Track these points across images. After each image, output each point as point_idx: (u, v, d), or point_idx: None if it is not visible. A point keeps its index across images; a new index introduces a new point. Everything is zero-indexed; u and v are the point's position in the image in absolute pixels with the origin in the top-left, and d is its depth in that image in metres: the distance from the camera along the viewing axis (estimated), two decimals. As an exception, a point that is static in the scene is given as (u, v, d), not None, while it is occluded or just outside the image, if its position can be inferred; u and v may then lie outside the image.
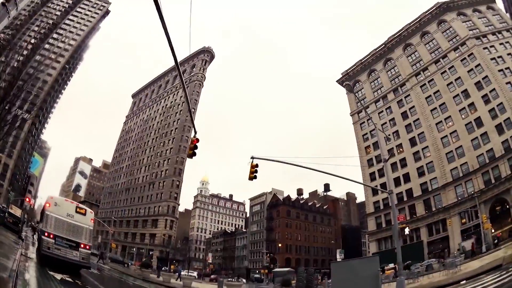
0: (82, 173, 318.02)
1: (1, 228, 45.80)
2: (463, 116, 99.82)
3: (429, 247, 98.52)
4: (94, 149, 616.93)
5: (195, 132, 30.49)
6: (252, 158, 33.40)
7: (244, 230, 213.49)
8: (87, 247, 31.69)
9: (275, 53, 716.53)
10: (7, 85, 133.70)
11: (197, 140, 29.38)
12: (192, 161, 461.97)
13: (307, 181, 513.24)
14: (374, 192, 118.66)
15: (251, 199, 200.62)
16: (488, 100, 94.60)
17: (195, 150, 29.50)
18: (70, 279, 25.67)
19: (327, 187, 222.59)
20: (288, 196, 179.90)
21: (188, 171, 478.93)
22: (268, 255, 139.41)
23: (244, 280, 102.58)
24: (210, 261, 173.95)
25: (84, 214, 32.62)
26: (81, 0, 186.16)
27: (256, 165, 33.33)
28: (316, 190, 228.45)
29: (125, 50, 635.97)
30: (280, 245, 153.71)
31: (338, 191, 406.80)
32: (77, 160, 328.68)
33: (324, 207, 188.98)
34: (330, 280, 39.57)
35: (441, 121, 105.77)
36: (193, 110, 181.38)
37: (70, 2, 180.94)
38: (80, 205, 33.93)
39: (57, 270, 26.66)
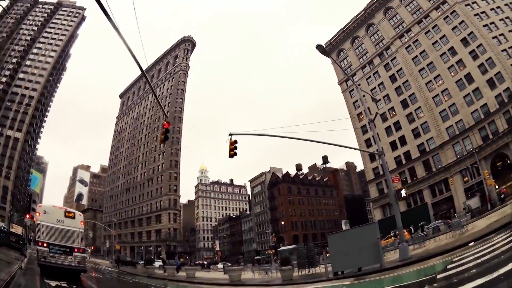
0: (82, 181, 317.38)
1: (5, 248, 45.76)
2: (452, 74, 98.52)
3: (434, 208, 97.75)
4: (90, 155, 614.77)
5: (166, 117, 29.93)
6: (231, 134, 32.62)
7: (248, 213, 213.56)
8: (81, 250, 31.66)
9: (259, 36, 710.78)
10: None
11: (168, 124, 28.65)
12: (188, 153, 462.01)
13: (306, 156, 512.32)
14: (372, 158, 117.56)
15: (251, 181, 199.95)
16: (476, 55, 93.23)
17: (167, 134, 28.85)
18: (65, 285, 25.36)
19: (325, 159, 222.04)
20: (287, 172, 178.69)
21: (186, 163, 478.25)
22: (274, 234, 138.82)
23: (250, 264, 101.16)
24: (218, 249, 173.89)
25: (74, 218, 32.37)
26: (56, 11, 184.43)
27: (235, 142, 32.49)
28: (315, 164, 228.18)
29: (106, 53, 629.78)
30: (283, 223, 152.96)
31: (337, 162, 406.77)
32: (75, 169, 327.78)
33: (325, 180, 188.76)
34: (328, 254, 38.14)
35: (430, 81, 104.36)
36: (180, 100, 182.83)
37: (46, 15, 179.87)
38: (69, 209, 33.80)
39: (56, 278, 26.61)
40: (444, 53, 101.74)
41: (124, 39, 18.38)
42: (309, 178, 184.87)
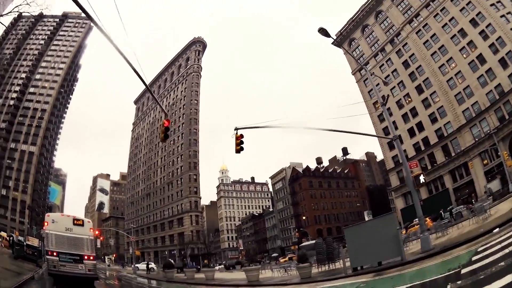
0: (102, 190, 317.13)
1: (20, 261, 45.66)
2: (464, 56, 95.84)
3: (455, 193, 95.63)
4: (110, 164, 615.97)
5: (166, 116, 28.34)
6: (236, 129, 31.12)
7: (271, 210, 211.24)
8: (91, 257, 30.84)
9: (267, 32, 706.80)
10: (7, 125, 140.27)
11: (169, 122, 26.95)
12: (209, 154, 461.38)
13: (326, 150, 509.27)
14: (391, 146, 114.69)
15: (272, 177, 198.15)
16: (486, 35, 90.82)
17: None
18: None
19: (345, 151, 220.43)
20: (308, 167, 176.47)
21: (207, 164, 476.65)
22: (297, 230, 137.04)
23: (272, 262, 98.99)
24: (242, 248, 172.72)
25: (82, 225, 31.53)
26: (62, 23, 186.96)
27: (241, 136, 30.96)
28: (335, 156, 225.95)
29: (117, 60, 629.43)
30: (304, 218, 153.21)
31: (357, 153, 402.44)
32: (95, 179, 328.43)
33: (345, 171, 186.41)
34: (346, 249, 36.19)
35: (443, 64, 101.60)
36: (195, 101, 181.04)
37: (52, 28, 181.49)
38: (77, 217, 32.46)
39: (69, 287, 27.20)
40: (455, 35, 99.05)
41: (123, 54, 17.17)
42: (330, 171, 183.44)
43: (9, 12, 32.84)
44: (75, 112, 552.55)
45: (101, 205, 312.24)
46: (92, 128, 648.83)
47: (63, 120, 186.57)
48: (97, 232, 76.75)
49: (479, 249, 19.67)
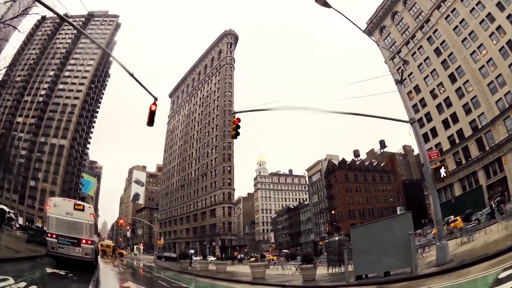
0: (138, 182, 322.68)
1: (35, 245, 45.62)
2: (494, 42, 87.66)
3: (489, 191, 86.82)
4: (146, 156, 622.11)
5: (155, 99, 27.69)
6: (234, 113, 29.84)
7: (306, 203, 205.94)
8: (89, 242, 30.55)
9: (296, 27, 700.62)
10: (37, 120, 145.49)
11: (239, 120, 28.49)
12: (244, 146, 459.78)
13: (363, 142, 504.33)
14: (426, 139, 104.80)
15: (308, 170, 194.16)
16: None
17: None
18: (62, 273, 25.39)
19: (382, 143, 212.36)
20: (343, 159, 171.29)
21: (244, 156, 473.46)
22: (328, 224, 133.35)
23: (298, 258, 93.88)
24: (273, 240, 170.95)
25: (83, 210, 31.20)
26: (88, 22, 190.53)
27: (238, 120, 29.31)
28: (373, 149, 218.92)
29: (148, 56, 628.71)
30: (338, 212, 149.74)
31: (395, 146, 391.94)
32: (130, 170, 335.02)
33: (382, 165, 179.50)
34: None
35: (474, 51, 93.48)
36: (229, 93, 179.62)
37: (78, 27, 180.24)
38: (78, 202, 33.02)
39: (68, 268, 26.92)
40: (483, 20, 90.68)
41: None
42: (366, 164, 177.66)
43: (18, 15, 35.39)
44: (110, 106, 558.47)
45: (136, 196, 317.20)
46: (127, 122, 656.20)
47: (96, 114, 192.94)
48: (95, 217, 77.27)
49: (503, 274, 14.60)
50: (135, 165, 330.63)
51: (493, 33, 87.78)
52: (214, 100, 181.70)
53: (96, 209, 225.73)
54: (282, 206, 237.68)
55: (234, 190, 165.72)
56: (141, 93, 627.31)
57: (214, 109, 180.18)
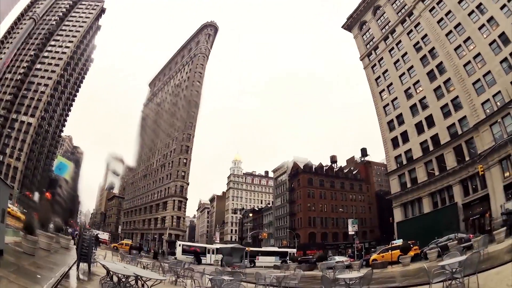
0: (114, 171, 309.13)
1: None
2: (484, 35, 71.89)
3: (466, 211, 70.27)
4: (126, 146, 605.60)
5: None
6: None
7: (269, 205, 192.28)
8: None
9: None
10: (13, 97, 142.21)
11: None
12: (238, 143, 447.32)
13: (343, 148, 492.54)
14: (395, 145, 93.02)
15: (274, 171, 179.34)
16: (508, 10, 67.05)
17: None
18: None
19: (364, 151, 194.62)
20: (309, 162, 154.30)
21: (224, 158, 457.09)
22: (263, 232, 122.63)
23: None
24: (218, 241, 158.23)
25: None
26: (75, 6, 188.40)
27: None
28: (353, 156, 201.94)
29: (131, 43, 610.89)
30: (300, 218, 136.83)
31: (379, 156, 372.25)
32: (108, 159, 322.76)
33: (354, 172, 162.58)
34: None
35: (460, 45, 77.80)
36: (198, 83, 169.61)
37: (65, 10, 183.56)
38: None
39: None
40: (473, 11, 75.37)
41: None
42: (336, 170, 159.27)
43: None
44: (98, 94, 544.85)
45: (112, 185, 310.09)
46: (112, 109, 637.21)
47: (74, 98, 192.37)
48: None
49: None
50: (113, 154, 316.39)
51: (483, 25, 73.21)
52: (183, 89, 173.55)
53: (76, 195, 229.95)
54: (254, 207, 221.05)
55: (188, 184, 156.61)
56: (129, 81, 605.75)
57: (181, 98, 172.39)
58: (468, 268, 14.58)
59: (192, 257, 78.32)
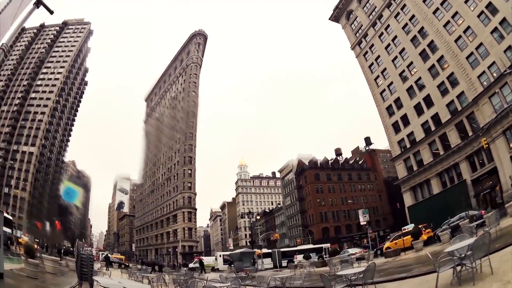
0: (122, 190, 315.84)
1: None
2: (471, 8, 70.02)
3: (476, 187, 68.50)
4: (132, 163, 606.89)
5: None
6: None
7: (280, 206, 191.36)
8: None
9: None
10: (11, 128, 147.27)
11: None
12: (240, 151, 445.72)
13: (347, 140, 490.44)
14: (397, 129, 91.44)
15: (280, 171, 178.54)
16: None
17: None
18: None
19: (368, 140, 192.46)
20: (314, 158, 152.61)
21: (230, 164, 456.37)
22: (274, 232, 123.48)
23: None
24: (232, 247, 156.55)
25: None
26: (62, 31, 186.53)
27: None
28: (358, 147, 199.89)
29: (123, 61, 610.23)
30: (311, 215, 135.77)
31: (383, 143, 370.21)
32: (116, 179, 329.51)
33: (360, 162, 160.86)
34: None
35: (448, 21, 76.03)
36: (193, 93, 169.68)
37: (52, 36, 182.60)
38: None
39: None
40: None
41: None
42: (341, 162, 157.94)
43: None
44: (96, 115, 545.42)
45: (121, 204, 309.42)
46: (112, 129, 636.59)
47: (73, 122, 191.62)
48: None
49: None
50: (119, 174, 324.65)
51: (469, -3, 71.00)
52: (179, 101, 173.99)
53: (86, 220, 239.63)
54: (265, 210, 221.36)
55: (195, 194, 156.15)
56: (125, 98, 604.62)
57: (179, 110, 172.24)
58: (478, 250, 12.99)
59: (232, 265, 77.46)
